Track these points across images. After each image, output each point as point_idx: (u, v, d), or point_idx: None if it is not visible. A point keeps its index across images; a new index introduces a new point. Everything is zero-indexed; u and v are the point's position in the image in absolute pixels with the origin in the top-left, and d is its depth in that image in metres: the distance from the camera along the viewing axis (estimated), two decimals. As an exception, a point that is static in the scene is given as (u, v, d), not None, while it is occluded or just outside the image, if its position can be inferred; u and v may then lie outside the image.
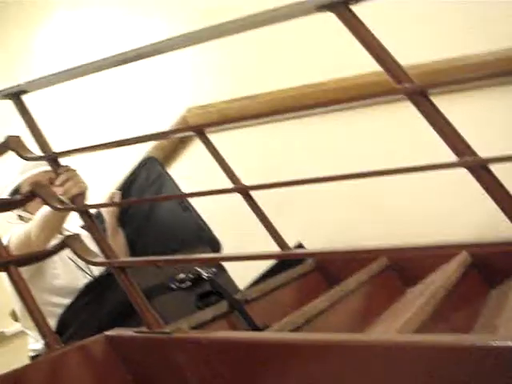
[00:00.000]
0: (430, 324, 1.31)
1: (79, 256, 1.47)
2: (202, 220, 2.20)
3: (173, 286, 1.82)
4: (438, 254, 1.79)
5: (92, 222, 1.47)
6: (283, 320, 1.43)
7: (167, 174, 2.35)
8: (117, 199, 2.38)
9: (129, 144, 1.39)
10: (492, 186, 0.89)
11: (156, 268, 1.83)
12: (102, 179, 2.86)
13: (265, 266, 2.22)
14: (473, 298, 1.82)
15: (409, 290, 2.03)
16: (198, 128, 1.29)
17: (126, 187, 2.43)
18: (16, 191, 2.19)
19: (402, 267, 2.09)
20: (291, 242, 1.74)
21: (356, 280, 1.87)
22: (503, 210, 0.88)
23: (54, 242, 1.81)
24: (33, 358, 2.06)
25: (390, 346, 0.96)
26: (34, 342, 2.07)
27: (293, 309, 1.54)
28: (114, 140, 1.38)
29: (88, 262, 1.49)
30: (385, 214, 2.36)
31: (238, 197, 1.21)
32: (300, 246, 2.19)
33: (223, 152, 1.28)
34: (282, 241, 1.17)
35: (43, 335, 1.47)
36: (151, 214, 2.31)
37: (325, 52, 2.45)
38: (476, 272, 1.90)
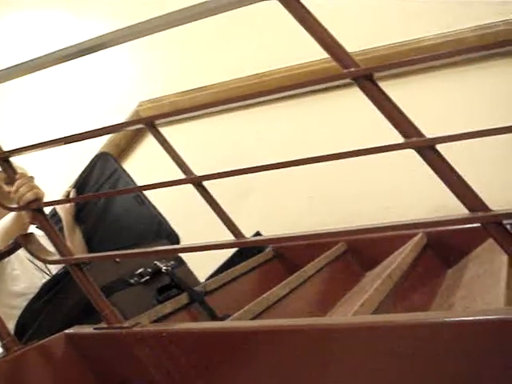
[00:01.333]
0: (387, 305, 1.33)
1: (33, 255, 1.45)
2: (159, 213, 2.18)
3: (132, 281, 1.80)
4: (394, 237, 1.82)
5: (46, 221, 1.45)
6: (243, 309, 1.44)
7: (122, 168, 2.33)
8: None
9: (79, 140, 1.36)
10: (440, 166, 0.90)
11: (114, 264, 1.81)
12: (57, 178, 2.82)
13: (225, 256, 2.22)
14: (429, 277, 1.84)
15: (367, 273, 2.06)
16: (148, 120, 1.28)
17: (81, 184, 2.39)
18: None
19: (360, 252, 2.11)
20: (250, 232, 1.74)
21: (315, 266, 1.88)
22: (452, 189, 0.89)
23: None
24: (-8, 361, 2.02)
25: (345, 328, 0.98)
26: (-6, 346, 2.04)
27: (253, 297, 1.55)
28: (63, 136, 1.36)
29: (43, 261, 1.47)
30: (340, 201, 2.39)
31: (193, 189, 1.21)
32: (258, 234, 2.20)
33: (177, 145, 1.27)
34: (237, 230, 1.17)
35: (1, 337, 1.45)
36: (107, 210, 2.28)
37: (272, 41, 2.47)
38: (432, 252, 1.93)
